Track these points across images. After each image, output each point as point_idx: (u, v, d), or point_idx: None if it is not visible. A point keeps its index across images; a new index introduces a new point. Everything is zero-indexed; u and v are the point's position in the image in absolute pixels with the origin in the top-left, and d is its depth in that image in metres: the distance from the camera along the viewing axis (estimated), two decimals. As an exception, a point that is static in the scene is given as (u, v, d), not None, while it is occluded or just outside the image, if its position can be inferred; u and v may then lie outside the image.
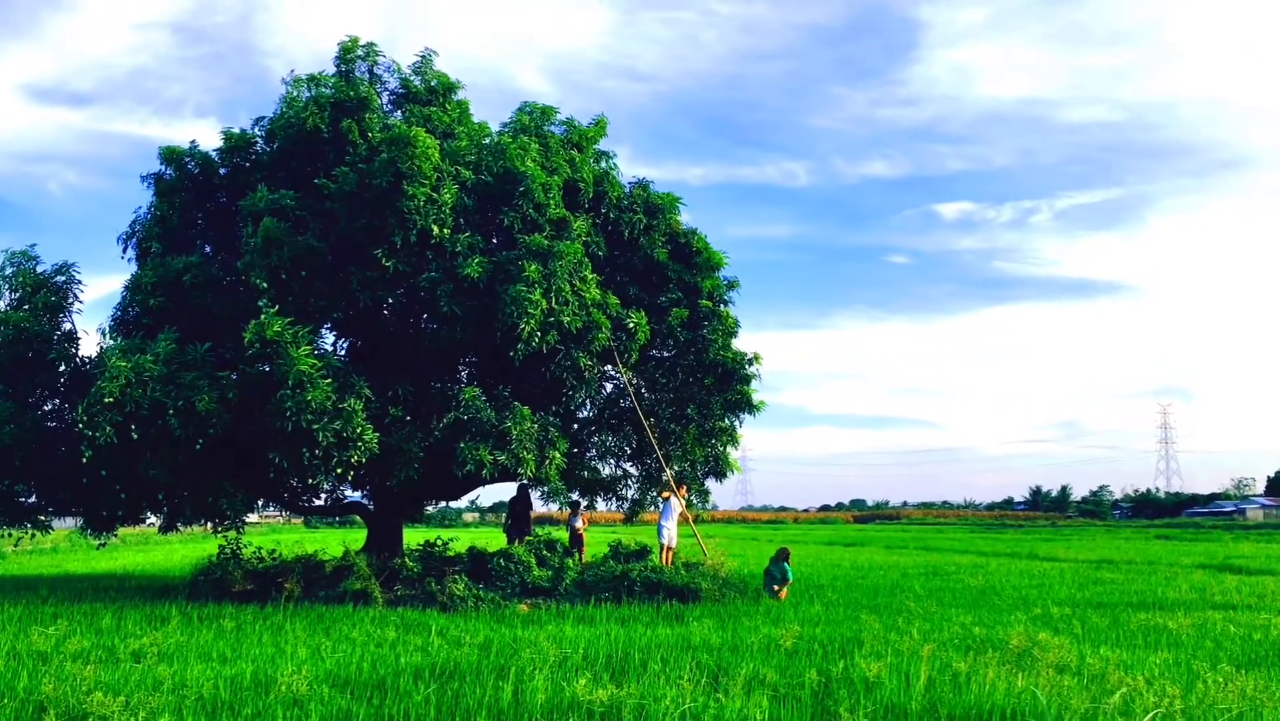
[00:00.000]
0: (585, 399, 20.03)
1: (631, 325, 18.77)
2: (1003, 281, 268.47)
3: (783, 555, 18.70)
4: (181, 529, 18.52)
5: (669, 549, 19.12)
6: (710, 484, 21.70)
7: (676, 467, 20.83)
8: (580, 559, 20.00)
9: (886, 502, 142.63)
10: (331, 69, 19.95)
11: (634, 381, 20.67)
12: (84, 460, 15.34)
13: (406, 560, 18.19)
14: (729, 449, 21.46)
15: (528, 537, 19.95)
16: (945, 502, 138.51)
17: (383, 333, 19.35)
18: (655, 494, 21.22)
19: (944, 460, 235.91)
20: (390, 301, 18.53)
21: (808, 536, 59.01)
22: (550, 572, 17.64)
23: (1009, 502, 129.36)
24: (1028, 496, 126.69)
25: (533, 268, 16.87)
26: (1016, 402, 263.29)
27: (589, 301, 17.78)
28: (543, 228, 18.26)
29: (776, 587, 18.07)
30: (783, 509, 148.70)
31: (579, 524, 21.51)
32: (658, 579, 17.02)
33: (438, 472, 17.43)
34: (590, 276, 18.05)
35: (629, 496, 21.84)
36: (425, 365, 19.06)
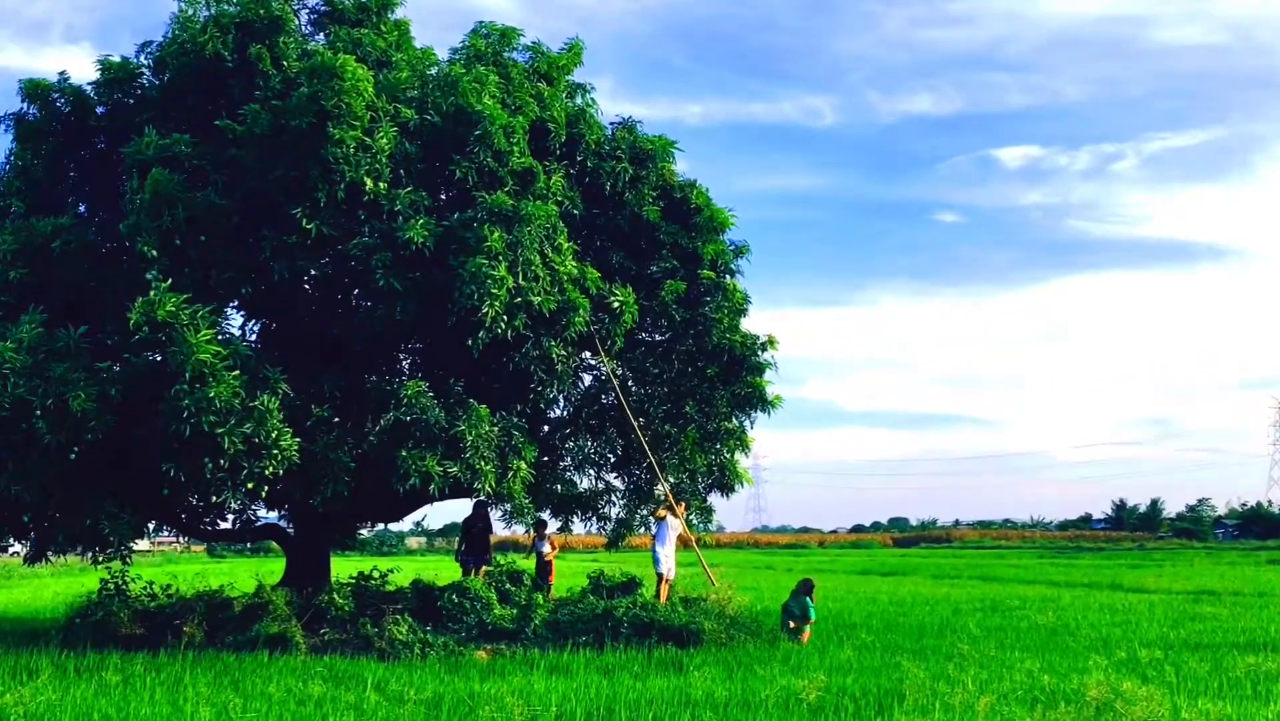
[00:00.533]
0: (558, 395, 19.97)
1: (616, 304, 18.94)
2: (1078, 244, 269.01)
3: (804, 588, 18.95)
4: (53, 559, 18.50)
5: (667, 581, 19.32)
6: (714, 500, 21.83)
7: (673, 480, 20.96)
8: (549, 592, 20.21)
9: (934, 522, 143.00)
10: (237, -20, 19.86)
11: (619, 372, 20.73)
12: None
13: (335, 596, 18.34)
14: (738, 456, 21.63)
15: (486, 568, 20.19)
16: (1007, 521, 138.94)
17: (304, 313, 19.40)
18: (646, 512, 21.33)
19: (1006, 468, 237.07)
20: (313, 274, 18.55)
21: (836, 564, 59.36)
22: (515, 611, 17.78)
23: (1086, 520, 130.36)
24: (1110, 512, 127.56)
25: (495, 235, 16.99)
26: (1096, 396, 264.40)
27: (564, 276, 17.91)
28: (505, 181, 18.35)
29: (794, 625, 18.31)
30: (805, 530, 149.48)
31: (546, 549, 21.63)
32: (649, 618, 17.22)
33: (373, 488, 17.55)
34: (566, 245, 18.20)
35: (613, 516, 21.97)
36: (358, 353, 19.11)
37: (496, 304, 16.79)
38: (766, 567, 54.26)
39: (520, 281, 17.19)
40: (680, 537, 19.86)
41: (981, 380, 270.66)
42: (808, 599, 18.70)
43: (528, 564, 21.46)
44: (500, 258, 16.95)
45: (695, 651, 15.99)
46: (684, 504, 20.61)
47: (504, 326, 17.18)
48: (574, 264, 18.26)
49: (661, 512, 19.64)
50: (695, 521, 21.29)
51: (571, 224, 19.44)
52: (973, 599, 28.70)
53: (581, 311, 18.07)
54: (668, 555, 19.38)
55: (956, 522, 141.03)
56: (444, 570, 26.85)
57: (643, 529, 21.85)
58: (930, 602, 27.35)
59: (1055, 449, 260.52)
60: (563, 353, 18.37)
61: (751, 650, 16.30)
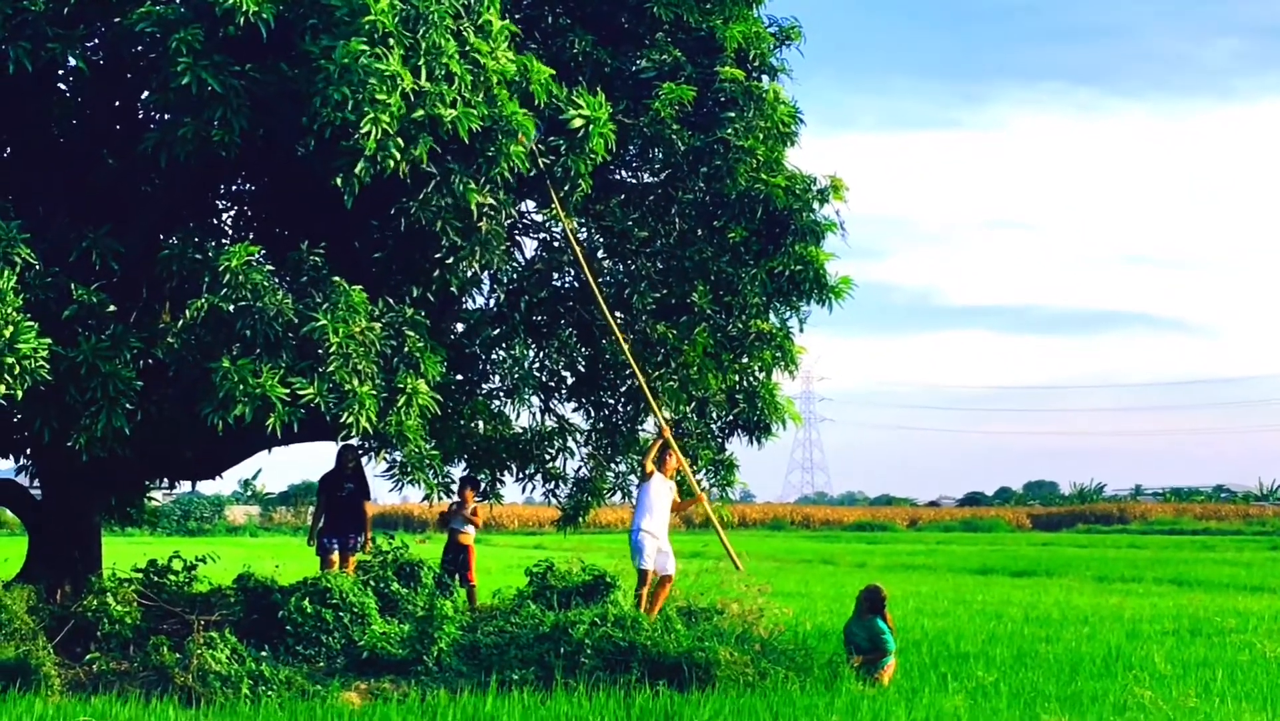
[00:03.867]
0: (480, 271, 19.43)
1: (578, 123, 18.23)
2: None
3: (870, 602, 18.50)
4: None
5: (664, 577, 18.71)
6: (738, 449, 21.86)
7: (668, 415, 20.54)
8: (471, 594, 20.49)
9: (1100, 489, 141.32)
10: None
11: (582, 236, 20.19)
12: None
13: (111, 600, 17.94)
14: (777, 377, 21.58)
15: (360, 555, 20.18)
16: (1220, 489, 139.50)
17: (59, 130, 18.96)
18: (627, 466, 21.63)
19: (1220, 402, 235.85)
20: (72, 64, 17.99)
21: (937, 557, 59.08)
22: (408, 627, 17.56)
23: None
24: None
25: (382, 4, 16.27)
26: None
27: (493, 76, 17.34)
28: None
29: (858, 660, 17.85)
30: (887, 501, 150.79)
31: (468, 528, 21.56)
32: (628, 641, 16.80)
33: (174, 422, 17.23)
34: (498, 26, 17.63)
35: (569, 474, 22.08)
36: (148, 199, 18.78)
37: (385, 118, 16.05)
38: (824, 561, 54.32)
39: (422, 83, 16.42)
40: (676, 506, 19.34)
41: (1179, 257, 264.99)
42: (878, 619, 18.19)
43: (432, 549, 20.79)
44: (392, 41, 16.20)
45: (704, 696, 15.56)
46: (675, 454, 19.80)
47: (398, 157, 16.42)
48: (510, 57, 17.50)
49: (649, 465, 19.00)
50: (705, 484, 21.10)
51: (503, -10, 18.97)
52: (1160, 615, 28.30)
53: (522, 136, 17.40)
54: (656, 535, 18.64)
55: (1137, 491, 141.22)
56: (290, 559, 27.05)
57: (619, 495, 21.93)
58: (1091, 620, 26.86)
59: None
60: (488, 201, 17.71)
61: (796, 696, 15.71)
